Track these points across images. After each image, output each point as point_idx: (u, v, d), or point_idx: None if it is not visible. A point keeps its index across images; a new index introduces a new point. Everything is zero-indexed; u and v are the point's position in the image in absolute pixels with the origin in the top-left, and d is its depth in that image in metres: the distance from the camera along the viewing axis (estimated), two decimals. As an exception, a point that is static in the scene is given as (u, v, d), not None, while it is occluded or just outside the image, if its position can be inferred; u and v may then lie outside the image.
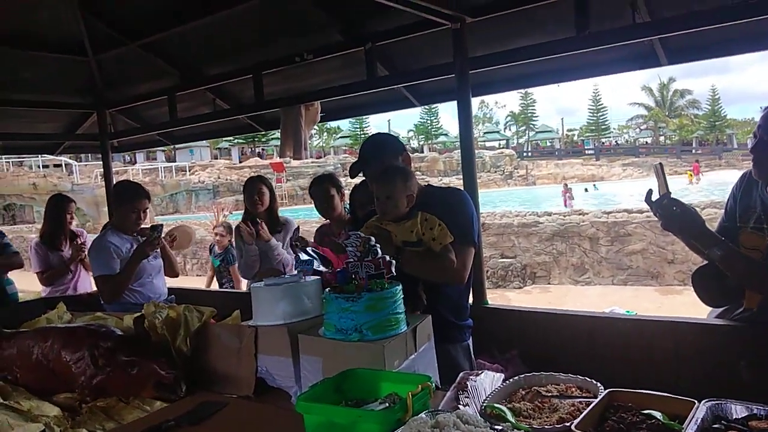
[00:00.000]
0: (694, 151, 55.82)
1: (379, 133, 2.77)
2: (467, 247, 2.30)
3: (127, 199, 3.62)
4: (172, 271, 3.94)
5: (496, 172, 43.33)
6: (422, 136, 67.66)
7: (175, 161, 43.85)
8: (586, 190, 30.92)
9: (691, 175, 35.08)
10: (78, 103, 5.56)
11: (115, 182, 4.46)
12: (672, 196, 2.08)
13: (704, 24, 2.80)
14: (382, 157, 2.42)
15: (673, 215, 2.05)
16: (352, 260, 1.84)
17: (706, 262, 2.28)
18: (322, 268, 2.55)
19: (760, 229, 2.18)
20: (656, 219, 2.16)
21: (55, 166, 34.13)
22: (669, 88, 67.82)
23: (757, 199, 2.21)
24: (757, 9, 2.61)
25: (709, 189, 28.22)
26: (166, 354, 2.04)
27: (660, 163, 2.15)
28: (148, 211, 3.70)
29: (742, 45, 3.07)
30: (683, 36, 3.02)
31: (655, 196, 2.10)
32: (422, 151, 55.18)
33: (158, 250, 3.68)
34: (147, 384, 1.94)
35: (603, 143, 65.85)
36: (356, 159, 2.52)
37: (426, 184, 2.57)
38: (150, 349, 2.04)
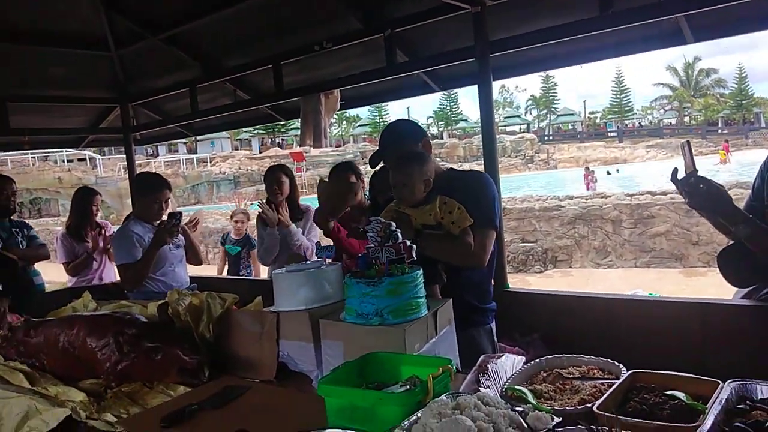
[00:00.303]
0: (720, 131, 54.67)
1: (398, 120, 2.72)
2: (488, 230, 2.29)
3: (148, 190, 3.67)
4: (196, 259, 3.99)
5: (516, 156, 42.90)
6: (442, 123, 67.28)
7: (196, 153, 44.25)
8: (608, 173, 30.50)
9: (723, 154, 34.23)
10: (102, 97, 5.64)
11: (138, 174, 4.54)
12: (699, 174, 2.04)
13: (729, 0, 2.73)
14: (400, 144, 2.41)
15: (700, 193, 2.01)
16: (372, 245, 1.85)
17: (731, 242, 2.26)
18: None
19: None
20: (681, 200, 2.13)
21: (79, 160, 34.68)
22: (694, 68, 66.38)
23: None
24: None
25: (736, 169, 27.65)
26: (190, 340, 2.07)
27: (687, 141, 2.12)
28: (169, 201, 3.74)
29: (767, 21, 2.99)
30: (709, 12, 2.95)
31: (681, 175, 2.07)
32: (442, 138, 54.84)
33: (181, 238, 3.73)
34: (171, 369, 1.97)
35: (626, 125, 64.75)
36: (376, 147, 2.52)
37: (448, 168, 2.56)
38: (174, 335, 2.07)
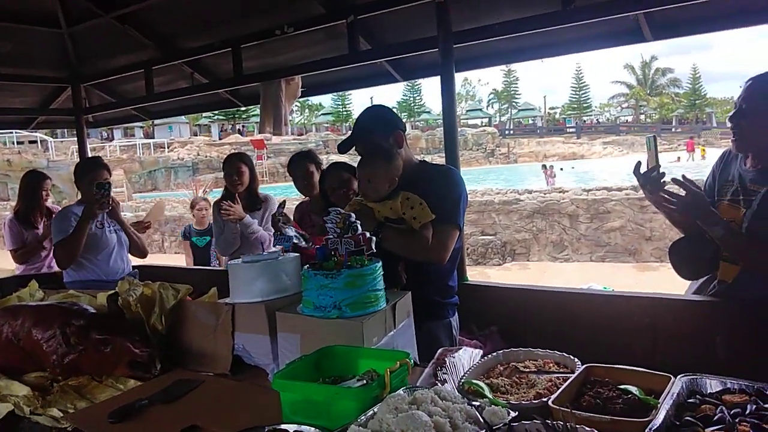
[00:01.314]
0: (674, 129, 56.43)
1: (374, 107, 2.62)
2: (450, 228, 2.28)
3: (85, 172, 3.56)
4: (137, 250, 3.87)
5: (478, 149, 43.30)
6: (405, 114, 67.40)
7: (153, 138, 43.20)
8: (561, 169, 31.05)
9: (704, 150, 34.89)
10: (51, 77, 5.41)
11: (81, 160, 4.35)
12: (661, 170, 2.12)
13: (688, -1, 2.78)
14: (372, 133, 2.37)
15: (682, 198, 2.09)
16: (331, 237, 1.82)
17: (682, 235, 2.35)
18: (302, 243, 2.53)
19: (737, 201, 2.23)
20: (636, 196, 2.23)
21: (30, 142, 33.43)
22: (651, 67, 68.28)
23: (735, 173, 2.27)
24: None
25: (688, 167, 28.61)
26: (141, 332, 2.01)
27: (654, 137, 2.19)
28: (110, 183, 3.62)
29: (726, 21, 3.06)
30: (668, 11, 3.01)
31: (643, 169, 2.12)
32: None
33: (119, 225, 3.67)
34: (120, 362, 1.91)
35: (584, 121, 66.18)
36: (338, 137, 2.47)
37: (420, 160, 2.52)
38: (124, 327, 2.00)
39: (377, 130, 2.38)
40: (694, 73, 66.54)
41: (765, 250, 2.11)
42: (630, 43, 3.40)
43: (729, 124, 2.20)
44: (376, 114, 2.51)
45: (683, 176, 2.15)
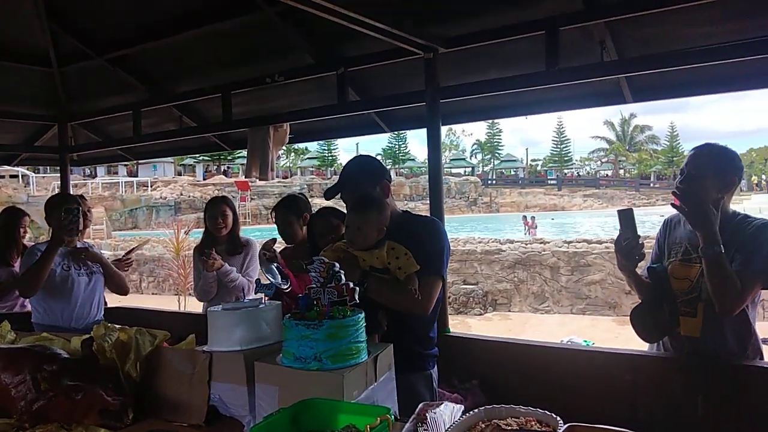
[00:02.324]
0: (652, 184, 57.48)
1: (362, 157, 2.66)
2: (435, 279, 2.28)
3: (55, 206, 3.49)
4: (117, 287, 3.78)
5: (461, 198, 43.79)
6: (390, 161, 68.08)
7: (137, 176, 43.02)
8: (533, 217, 31.30)
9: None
10: (39, 114, 5.41)
11: (52, 195, 4.32)
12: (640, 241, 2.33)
13: (670, 65, 2.92)
14: (359, 183, 2.38)
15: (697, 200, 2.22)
16: (314, 286, 1.80)
17: (639, 302, 2.52)
18: (282, 285, 2.51)
19: (689, 259, 2.40)
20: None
21: (11, 176, 33.07)
22: (630, 124, 70.06)
23: (683, 236, 2.45)
24: (718, 54, 2.74)
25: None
26: (114, 379, 1.94)
27: (630, 209, 2.38)
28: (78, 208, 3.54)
29: (702, 87, 3.21)
30: (648, 76, 3.14)
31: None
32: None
33: (94, 265, 3.59)
34: (91, 410, 1.84)
35: (565, 174, 67.27)
36: (323, 181, 2.47)
37: (404, 210, 2.54)
38: (97, 373, 1.94)
39: (365, 180, 2.39)
40: (672, 131, 68.47)
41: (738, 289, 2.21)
42: (611, 104, 3.52)
43: (676, 189, 2.34)
44: (364, 163, 2.53)
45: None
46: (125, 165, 46.17)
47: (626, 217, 2.36)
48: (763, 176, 67.29)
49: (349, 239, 2.23)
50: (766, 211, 27.55)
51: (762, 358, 2.45)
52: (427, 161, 3.62)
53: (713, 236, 2.21)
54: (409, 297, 2.17)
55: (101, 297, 3.73)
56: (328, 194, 2.49)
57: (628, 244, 2.34)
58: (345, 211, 2.44)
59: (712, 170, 2.33)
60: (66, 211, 3.30)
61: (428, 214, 3.29)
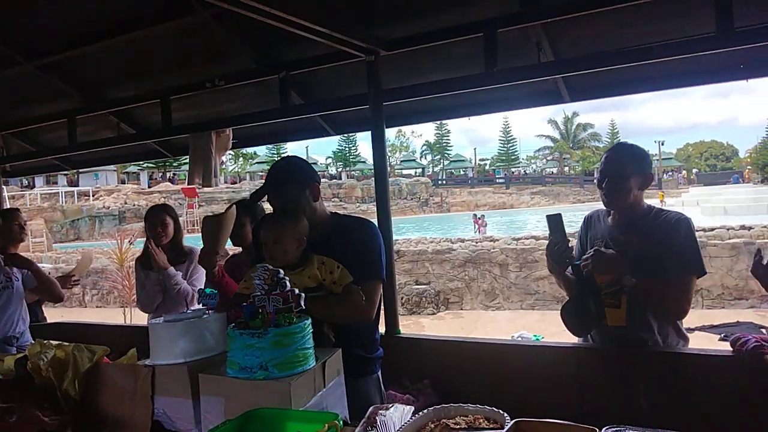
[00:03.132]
0: (595, 181, 59.21)
1: (290, 158, 2.49)
2: (375, 283, 2.25)
3: None
4: (52, 295, 3.64)
5: (412, 199, 44.12)
6: (341, 163, 67.94)
7: (77, 185, 41.51)
8: (483, 216, 31.75)
9: (662, 195, 36.54)
10: (-34, 123, 5.15)
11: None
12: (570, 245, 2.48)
13: (604, 65, 3.02)
14: (287, 186, 2.28)
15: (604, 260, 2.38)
16: (259, 293, 1.77)
17: (568, 299, 2.66)
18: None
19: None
20: None
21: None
22: (573, 122, 72.20)
23: (602, 231, 2.61)
24: (652, 53, 2.85)
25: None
26: (51, 398, 1.87)
27: (559, 214, 2.48)
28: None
29: (637, 85, 3.34)
30: (584, 75, 3.23)
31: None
32: (340, 178, 55.25)
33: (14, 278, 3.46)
34: (28, 433, 1.77)
35: (513, 173, 68.69)
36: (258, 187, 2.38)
37: (332, 212, 2.45)
38: (32, 393, 1.87)
39: (293, 182, 2.30)
40: (613, 128, 71.07)
41: (654, 285, 2.39)
42: (550, 103, 3.61)
43: (599, 189, 2.55)
44: (293, 165, 2.42)
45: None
46: (65, 174, 44.49)
47: (555, 222, 2.47)
48: (695, 170, 70.40)
49: (269, 256, 2.11)
50: (704, 202, 28.84)
51: (687, 344, 2.57)
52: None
53: (620, 273, 2.38)
54: (350, 308, 2.13)
55: (20, 311, 3.56)
56: (255, 196, 2.41)
57: (558, 248, 2.46)
58: None
59: (632, 169, 2.47)
60: None
61: (376, 217, 3.30)
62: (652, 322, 2.49)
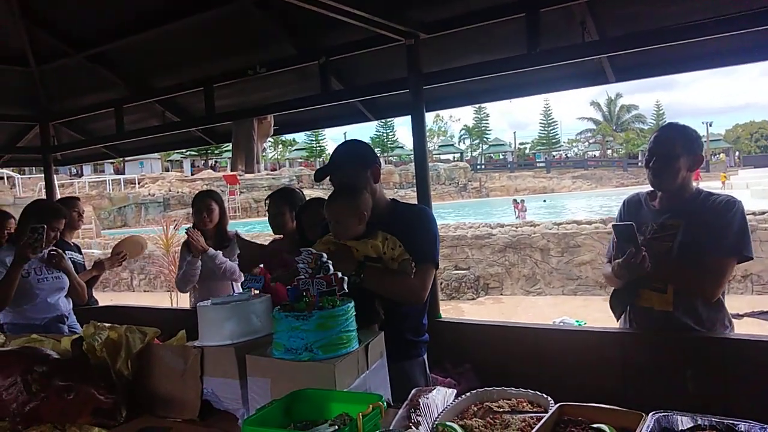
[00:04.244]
0: (639, 164, 57.78)
1: (352, 140, 2.62)
2: (429, 267, 2.29)
3: (30, 215, 3.47)
4: (75, 294, 3.75)
5: (450, 184, 43.83)
6: (378, 149, 67.97)
7: (124, 173, 42.69)
8: (523, 201, 31.31)
9: (725, 177, 35.53)
10: (20, 115, 5.35)
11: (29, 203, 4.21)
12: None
13: (649, 44, 2.92)
14: (348, 165, 2.35)
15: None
16: (303, 277, 1.80)
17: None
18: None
19: (656, 238, 2.46)
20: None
21: (-3, 178, 32.73)
22: (616, 104, 70.25)
23: (647, 213, 2.53)
24: (699, 30, 2.74)
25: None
26: (106, 378, 1.94)
27: (632, 225, 2.37)
28: (58, 232, 3.54)
29: (684, 64, 3.22)
30: (630, 55, 3.13)
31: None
32: (378, 164, 55.14)
33: (63, 269, 3.58)
34: (84, 410, 1.84)
35: (553, 156, 67.52)
36: (312, 172, 2.45)
37: (391, 199, 2.51)
38: (88, 372, 1.94)
39: (356, 163, 2.36)
40: (658, 110, 68.98)
41: (696, 275, 2.36)
42: (594, 84, 3.52)
43: (646, 170, 2.49)
44: (355, 148, 2.51)
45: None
46: (112, 163, 45.83)
47: (626, 232, 2.36)
48: (737, 153, 67.60)
49: (333, 233, 2.22)
50: (754, 185, 27.78)
51: (733, 330, 2.51)
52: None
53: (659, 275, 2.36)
54: (405, 286, 2.18)
55: (63, 295, 3.69)
56: (318, 175, 2.47)
57: (634, 260, 2.34)
58: None
59: (681, 149, 2.40)
60: (32, 230, 3.26)
61: (416, 202, 3.30)
62: (699, 307, 2.43)
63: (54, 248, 3.58)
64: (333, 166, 2.40)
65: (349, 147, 2.52)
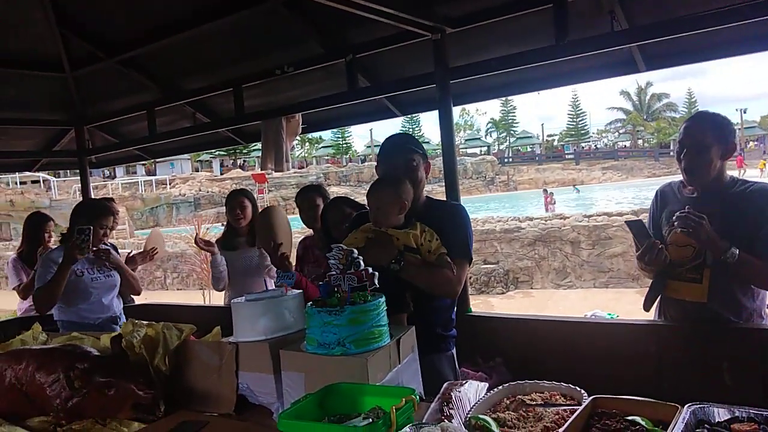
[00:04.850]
0: (671, 153, 56.56)
1: (401, 133, 2.73)
2: (464, 262, 2.33)
3: (80, 214, 3.54)
4: (131, 288, 3.86)
5: (477, 178, 43.52)
6: (404, 145, 67.64)
7: (155, 174, 43.46)
8: (577, 191, 30.77)
9: (764, 164, 34.73)
10: (56, 120, 5.50)
11: (79, 202, 4.30)
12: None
13: (680, 31, 2.85)
14: (394, 155, 2.41)
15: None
16: (334, 273, 1.83)
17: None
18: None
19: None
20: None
21: (33, 182, 33.63)
22: (646, 93, 68.71)
23: (677, 203, 2.47)
24: (730, 16, 2.67)
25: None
26: (144, 374, 2.00)
27: (639, 221, 2.41)
28: (108, 229, 3.63)
29: (716, 51, 3.13)
30: (660, 43, 3.07)
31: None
32: (404, 159, 55.02)
33: (114, 267, 3.66)
34: (124, 405, 1.90)
35: (583, 148, 66.46)
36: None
37: (426, 196, 2.53)
38: (127, 369, 1.99)
39: (400, 152, 2.42)
40: (690, 97, 67.20)
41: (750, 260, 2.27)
42: (624, 74, 3.46)
43: (677, 160, 2.44)
44: (402, 137, 2.63)
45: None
46: (143, 164, 46.67)
47: (638, 227, 2.43)
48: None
49: (373, 220, 2.27)
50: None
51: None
52: (440, 143, 3.61)
53: (720, 247, 2.26)
54: (443, 278, 2.21)
55: (115, 294, 3.78)
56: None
57: (652, 252, 2.38)
58: (356, 201, 2.46)
59: (713, 139, 2.35)
60: (79, 231, 3.32)
61: (445, 197, 3.30)
62: (740, 298, 2.38)
63: (103, 245, 3.66)
64: (380, 155, 2.48)
65: (397, 137, 2.59)
